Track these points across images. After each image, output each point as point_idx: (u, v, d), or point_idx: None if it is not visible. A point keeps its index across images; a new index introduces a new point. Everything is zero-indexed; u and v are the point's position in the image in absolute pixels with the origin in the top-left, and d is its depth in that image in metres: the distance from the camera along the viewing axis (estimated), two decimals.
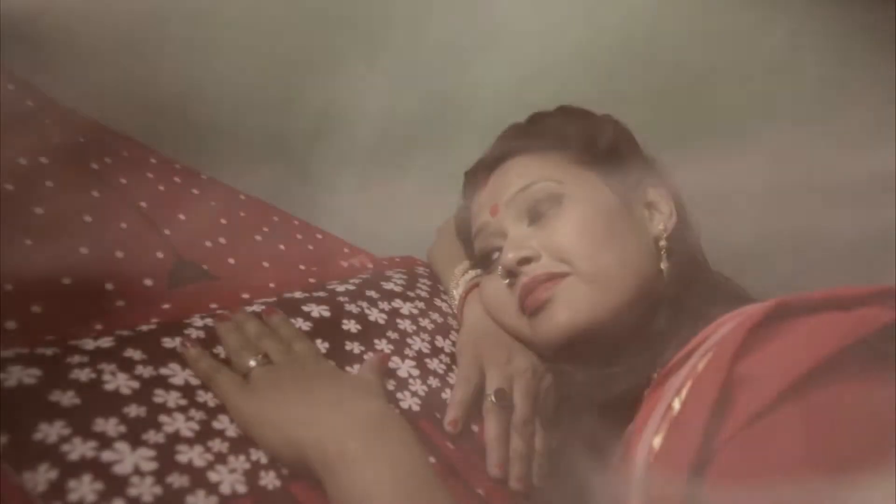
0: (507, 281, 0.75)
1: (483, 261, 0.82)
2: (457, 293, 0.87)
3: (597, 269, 0.70)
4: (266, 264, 0.92)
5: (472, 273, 0.87)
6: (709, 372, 0.50)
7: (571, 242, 0.72)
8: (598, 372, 0.72)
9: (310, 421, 0.56)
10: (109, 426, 0.53)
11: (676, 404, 0.51)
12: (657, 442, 0.50)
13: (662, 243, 0.75)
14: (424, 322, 0.81)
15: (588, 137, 0.80)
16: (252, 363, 0.63)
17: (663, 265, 0.73)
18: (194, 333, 0.66)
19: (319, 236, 1.04)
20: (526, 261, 0.74)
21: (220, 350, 0.66)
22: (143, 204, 0.85)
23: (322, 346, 0.70)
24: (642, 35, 1.04)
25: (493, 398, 0.71)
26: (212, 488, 0.52)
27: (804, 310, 0.53)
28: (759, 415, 0.48)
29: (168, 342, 0.64)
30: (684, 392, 0.51)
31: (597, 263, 0.71)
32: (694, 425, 0.49)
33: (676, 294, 0.71)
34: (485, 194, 0.83)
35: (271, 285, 0.84)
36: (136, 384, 0.57)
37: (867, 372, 0.50)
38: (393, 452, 0.55)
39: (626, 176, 0.78)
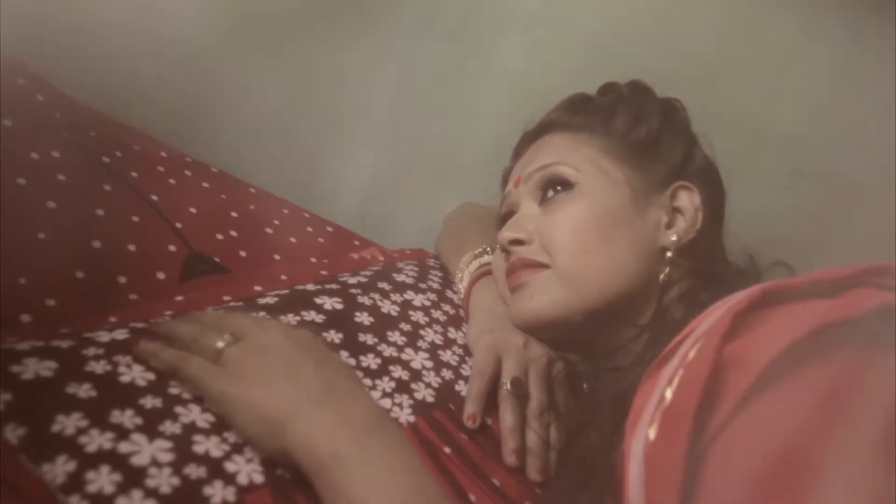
0: (503, 254, 0.80)
1: (502, 225, 0.84)
2: (462, 286, 0.87)
3: (575, 269, 0.72)
4: (277, 257, 0.92)
5: (475, 263, 0.87)
6: (698, 359, 0.50)
7: (560, 237, 0.74)
8: (606, 365, 0.72)
9: (297, 412, 0.53)
10: (126, 418, 0.53)
11: (668, 394, 0.51)
12: (652, 433, 0.50)
13: (669, 254, 0.74)
14: (437, 314, 0.81)
15: (630, 126, 0.80)
16: (220, 343, 0.58)
17: (662, 275, 0.73)
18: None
19: (329, 229, 1.04)
20: (518, 242, 0.77)
21: None
22: (154, 197, 0.86)
23: (335, 337, 0.70)
24: (653, 23, 1.03)
25: (509, 387, 0.71)
26: (229, 479, 0.52)
27: (792, 295, 0.52)
28: (748, 396, 0.48)
29: None
30: (676, 381, 0.51)
31: (577, 264, 0.72)
32: (686, 413, 0.48)
33: (687, 291, 0.72)
34: (519, 163, 0.85)
35: (283, 278, 0.84)
36: (151, 376, 0.57)
37: (858, 351, 0.50)
38: (388, 455, 0.53)
39: (656, 173, 0.77)
